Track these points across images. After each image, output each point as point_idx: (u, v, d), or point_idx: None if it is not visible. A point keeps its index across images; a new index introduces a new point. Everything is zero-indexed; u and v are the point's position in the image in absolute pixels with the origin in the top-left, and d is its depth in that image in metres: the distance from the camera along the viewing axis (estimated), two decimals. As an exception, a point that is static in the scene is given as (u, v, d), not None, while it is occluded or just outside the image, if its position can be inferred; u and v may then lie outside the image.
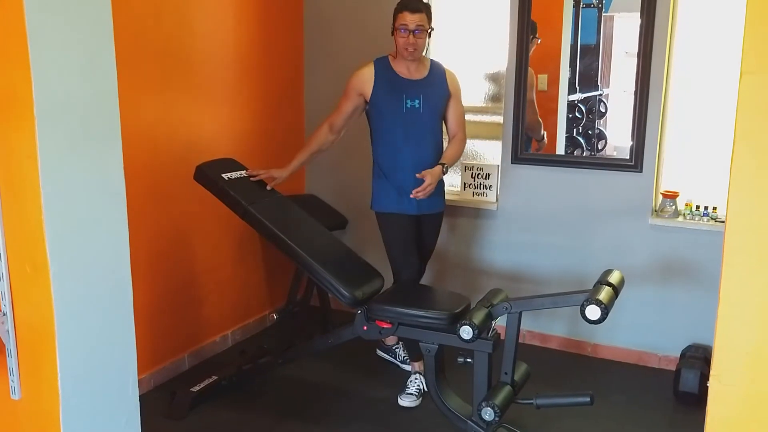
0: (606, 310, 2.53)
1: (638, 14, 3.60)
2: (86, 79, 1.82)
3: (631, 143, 3.75)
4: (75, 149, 1.80)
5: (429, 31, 3.28)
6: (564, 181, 3.92)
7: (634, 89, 3.69)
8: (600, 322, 2.56)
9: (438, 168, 3.29)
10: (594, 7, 3.81)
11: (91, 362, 1.91)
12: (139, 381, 2.10)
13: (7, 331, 1.84)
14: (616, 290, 2.69)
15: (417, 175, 3.23)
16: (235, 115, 3.96)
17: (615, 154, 3.89)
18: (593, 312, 2.54)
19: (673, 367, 3.64)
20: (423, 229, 3.51)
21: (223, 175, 3.27)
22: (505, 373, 2.83)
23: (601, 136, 3.96)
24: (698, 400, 3.38)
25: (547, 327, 4.09)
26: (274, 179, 3.45)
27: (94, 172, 1.87)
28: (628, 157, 3.76)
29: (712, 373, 1.46)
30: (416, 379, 3.47)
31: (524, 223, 4.06)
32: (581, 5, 3.81)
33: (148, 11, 3.31)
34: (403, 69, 3.35)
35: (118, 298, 1.99)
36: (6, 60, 1.69)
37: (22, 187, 1.74)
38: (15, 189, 1.76)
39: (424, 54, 3.41)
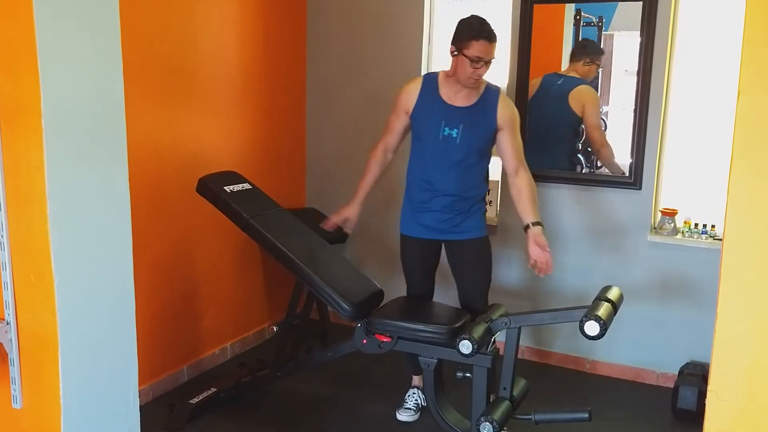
0: (605, 326, 2.54)
1: (638, 33, 3.64)
2: (94, 92, 1.85)
3: (630, 161, 3.78)
4: (82, 161, 1.82)
5: None
6: (563, 198, 3.94)
7: (633, 107, 3.72)
8: (599, 338, 2.57)
9: (538, 230, 3.06)
10: (594, 25, 3.84)
11: (92, 372, 1.92)
12: (139, 392, 2.11)
13: (10, 339, 1.85)
14: (614, 306, 2.70)
15: (530, 264, 3.02)
16: (237, 129, 3.99)
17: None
18: (592, 328, 2.55)
19: (671, 385, 3.64)
20: (452, 258, 3.29)
21: (226, 188, 3.29)
22: (504, 388, 2.83)
23: (601, 153, 3.98)
24: (696, 417, 3.38)
25: (545, 343, 4.10)
26: (347, 219, 3.29)
27: (100, 183, 1.89)
28: (627, 175, 3.79)
29: (709, 388, 1.47)
30: (414, 393, 3.47)
31: (524, 239, 4.06)
32: (581, 24, 3.84)
33: (155, 27, 3.34)
34: (449, 93, 3.08)
35: (120, 309, 2.00)
36: (15, 72, 1.71)
37: (29, 197, 1.76)
38: (21, 199, 1.78)
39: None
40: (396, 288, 3.91)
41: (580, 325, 2.57)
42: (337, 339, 3.71)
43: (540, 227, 3.08)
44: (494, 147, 3.22)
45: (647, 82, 3.66)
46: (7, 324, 1.85)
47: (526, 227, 3.11)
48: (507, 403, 2.79)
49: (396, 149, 3.33)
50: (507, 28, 3.94)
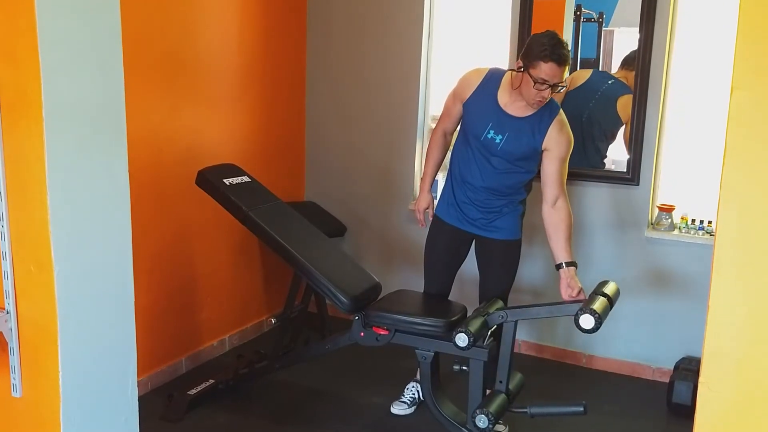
0: (600, 320, 2.56)
1: (637, 29, 3.65)
2: (94, 83, 1.85)
3: (628, 157, 3.79)
4: (82, 151, 1.83)
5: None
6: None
7: (631, 103, 3.72)
8: (593, 332, 2.59)
9: (572, 272, 2.92)
10: (594, 21, 3.85)
11: (92, 362, 1.94)
12: (137, 383, 2.12)
13: (10, 329, 1.86)
14: (611, 301, 2.72)
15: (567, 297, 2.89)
16: (237, 122, 4.00)
17: (612, 168, 3.92)
18: (587, 321, 2.57)
19: (666, 379, 3.66)
20: (479, 254, 3.25)
21: (225, 181, 3.30)
22: (500, 382, 2.85)
23: (599, 149, 3.99)
24: (691, 411, 3.35)
25: (542, 337, 4.12)
26: (426, 210, 3.30)
27: (100, 174, 1.90)
28: (625, 171, 3.80)
29: (700, 380, 1.49)
30: (413, 387, 3.48)
31: (522, 234, 4.08)
32: (582, 20, 3.85)
33: (155, 19, 3.35)
34: (507, 99, 2.97)
35: (119, 299, 2.01)
36: (17, 62, 1.72)
37: (29, 187, 1.77)
38: (22, 189, 1.78)
39: None
40: (394, 281, 3.93)
41: (575, 319, 2.59)
42: (334, 331, 3.73)
43: (574, 268, 2.94)
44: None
45: (646, 78, 3.66)
46: (7, 313, 1.86)
47: (559, 266, 2.96)
48: (503, 396, 2.81)
49: (453, 134, 3.27)
50: (507, 23, 3.95)
